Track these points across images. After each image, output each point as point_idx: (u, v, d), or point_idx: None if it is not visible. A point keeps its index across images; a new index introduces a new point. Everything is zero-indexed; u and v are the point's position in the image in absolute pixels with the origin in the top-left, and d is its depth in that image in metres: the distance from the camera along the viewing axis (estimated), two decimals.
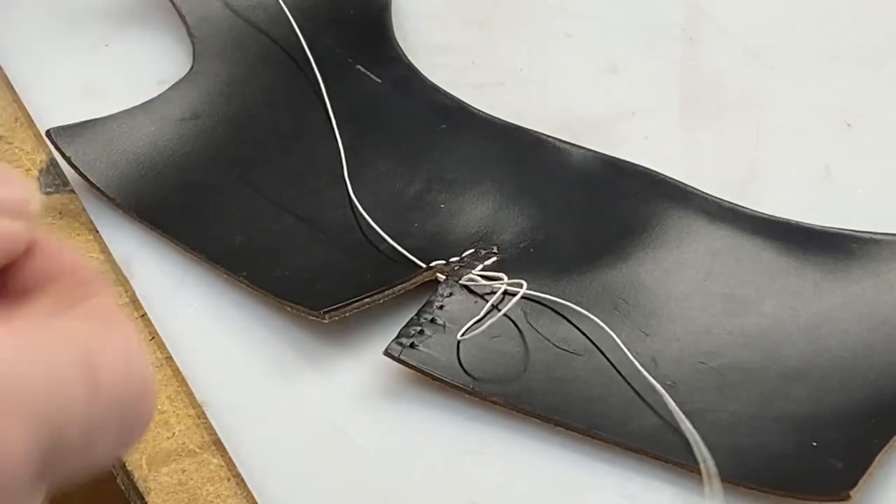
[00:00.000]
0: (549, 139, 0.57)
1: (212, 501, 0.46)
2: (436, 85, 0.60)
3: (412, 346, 0.48)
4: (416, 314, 0.49)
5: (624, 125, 0.60)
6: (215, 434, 0.48)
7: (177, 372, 0.50)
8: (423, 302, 0.50)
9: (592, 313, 0.49)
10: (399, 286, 0.50)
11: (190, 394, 0.49)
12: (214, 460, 0.47)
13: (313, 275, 0.51)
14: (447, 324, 0.49)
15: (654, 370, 0.47)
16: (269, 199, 0.54)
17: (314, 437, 0.47)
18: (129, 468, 0.46)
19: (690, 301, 0.50)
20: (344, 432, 0.48)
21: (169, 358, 0.50)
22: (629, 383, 0.47)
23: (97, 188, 0.55)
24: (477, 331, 0.48)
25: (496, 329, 0.49)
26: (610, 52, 0.63)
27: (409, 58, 0.61)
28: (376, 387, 0.49)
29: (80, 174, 0.56)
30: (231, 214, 0.53)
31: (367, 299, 0.49)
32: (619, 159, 0.56)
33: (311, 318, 0.49)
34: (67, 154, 0.56)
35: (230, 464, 0.47)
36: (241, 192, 0.55)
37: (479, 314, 0.49)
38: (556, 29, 0.65)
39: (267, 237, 0.53)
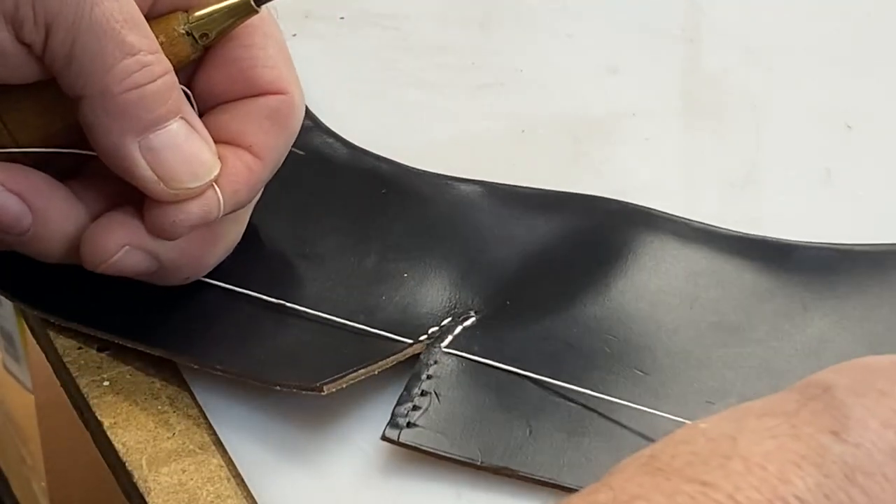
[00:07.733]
0: (495, 186, 0.55)
1: (212, 501, 0.46)
2: (364, 148, 0.57)
3: (409, 425, 0.46)
4: (405, 389, 0.47)
5: (624, 125, 0.60)
6: (215, 434, 0.48)
7: (176, 372, 0.50)
8: (405, 372, 0.48)
9: (582, 353, 0.48)
10: (392, 357, 0.48)
11: (190, 394, 0.49)
12: (214, 460, 0.47)
13: (292, 355, 0.49)
14: (440, 393, 0.47)
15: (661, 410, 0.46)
16: (232, 284, 0.51)
17: (314, 436, 0.48)
18: (129, 468, 0.47)
19: (681, 333, 0.49)
20: (344, 429, 0.48)
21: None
22: (644, 436, 0.46)
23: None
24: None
25: (497, 394, 0.47)
26: (610, 52, 0.64)
27: (410, 59, 0.61)
28: (376, 381, 0.48)
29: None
30: (197, 307, 0.51)
31: (362, 370, 0.47)
32: (567, 193, 0.55)
33: (305, 393, 0.46)
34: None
35: (230, 464, 0.47)
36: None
37: (467, 374, 0.48)
38: (556, 29, 0.65)
39: (234, 324, 0.50)
